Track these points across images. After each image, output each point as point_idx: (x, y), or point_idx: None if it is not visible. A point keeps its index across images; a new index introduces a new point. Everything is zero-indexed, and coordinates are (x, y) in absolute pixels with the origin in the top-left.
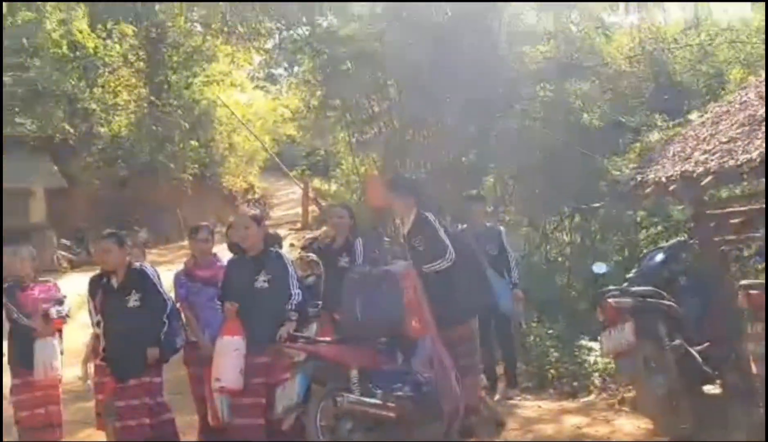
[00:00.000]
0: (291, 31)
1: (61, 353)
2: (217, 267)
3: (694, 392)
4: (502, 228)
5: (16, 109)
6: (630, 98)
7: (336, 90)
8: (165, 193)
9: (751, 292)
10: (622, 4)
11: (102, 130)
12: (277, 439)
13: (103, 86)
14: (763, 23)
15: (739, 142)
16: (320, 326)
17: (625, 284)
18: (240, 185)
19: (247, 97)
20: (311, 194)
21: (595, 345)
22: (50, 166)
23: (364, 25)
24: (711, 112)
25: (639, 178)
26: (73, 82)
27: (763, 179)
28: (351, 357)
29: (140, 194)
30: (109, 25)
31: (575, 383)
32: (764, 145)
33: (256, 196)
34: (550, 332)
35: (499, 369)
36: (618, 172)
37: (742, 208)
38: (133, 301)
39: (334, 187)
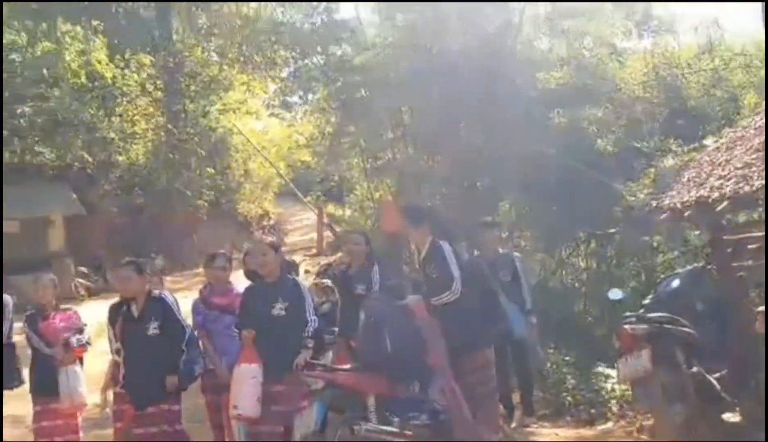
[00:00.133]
0: (306, 60)
1: None
2: (233, 294)
3: (713, 420)
4: (516, 254)
5: (36, 139)
6: (644, 123)
7: (350, 117)
8: (181, 220)
9: None
10: (635, 30)
11: (120, 158)
12: None
13: (121, 115)
14: None
15: (754, 168)
16: (336, 353)
17: (642, 311)
18: (255, 211)
19: (262, 124)
20: (326, 220)
21: (612, 372)
22: (69, 194)
23: (377, 53)
24: (726, 137)
25: (654, 204)
26: (91, 112)
27: None
28: (368, 385)
29: (157, 221)
30: (127, 55)
31: (592, 411)
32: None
33: (271, 222)
34: (567, 358)
35: (516, 397)
36: (633, 198)
37: (759, 234)
38: (153, 329)
39: (348, 212)
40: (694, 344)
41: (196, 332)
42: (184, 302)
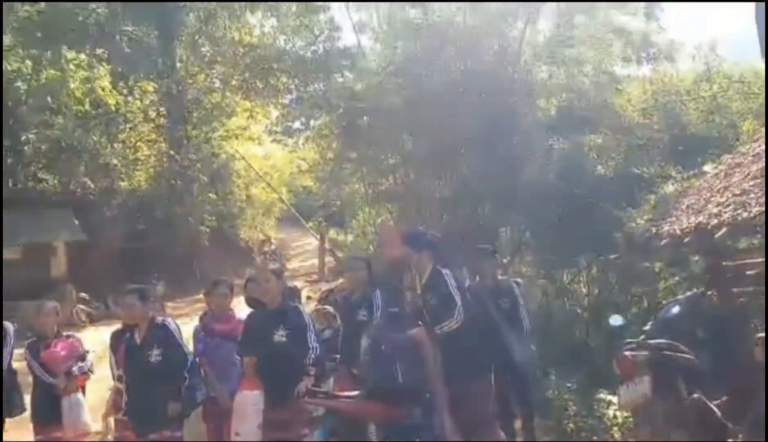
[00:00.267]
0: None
1: None
2: (235, 321)
3: None
4: (516, 281)
5: (40, 165)
6: (644, 150)
7: (352, 143)
8: (183, 246)
9: None
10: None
11: (122, 184)
12: None
13: (123, 142)
14: None
15: (752, 194)
16: (337, 379)
17: (642, 337)
18: (257, 237)
19: (264, 150)
20: (327, 245)
21: (614, 399)
22: (71, 220)
23: (379, 80)
24: (724, 163)
25: (654, 231)
26: (95, 138)
27: None
28: (369, 412)
29: (158, 247)
30: (130, 82)
31: (594, 438)
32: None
33: (272, 247)
34: (569, 385)
35: (517, 424)
36: (634, 224)
37: (758, 260)
38: (155, 355)
39: (350, 238)
40: (694, 371)
41: (197, 359)
42: (186, 328)
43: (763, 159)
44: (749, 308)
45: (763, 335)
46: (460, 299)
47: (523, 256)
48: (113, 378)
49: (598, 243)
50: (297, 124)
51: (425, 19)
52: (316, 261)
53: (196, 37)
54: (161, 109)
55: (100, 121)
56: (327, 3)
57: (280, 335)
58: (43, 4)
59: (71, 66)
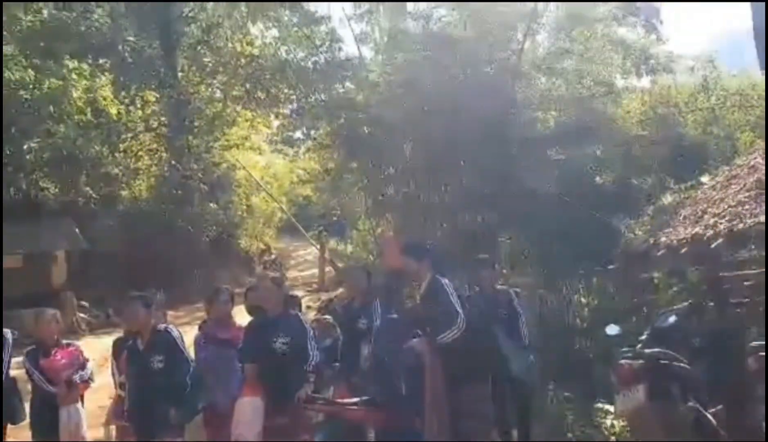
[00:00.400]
0: (309, 97)
1: None
2: (235, 329)
3: None
4: (514, 290)
5: (41, 174)
6: (642, 161)
7: (352, 153)
8: (183, 255)
9: (760, 354)
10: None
11: (123, 193)
12: None
13: (125, 151)
14: None
15: (748, 206)
16: (337, 387)
17: (639, 346)
18: (257, 247)
19: (265, 160)
20: (327, 255)
21: (612, 408)
22: (72, 229)
23: (379, 91)
24: (721, 175)
25: (652, 241)
26: (96, 147)
27: None
28: (369, 418)
29: (159, 256)
30: (132, 92)
31: None
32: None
33: (272, 257)
34: (567, 394)
35: (515, 433)
36: (632, 235)
37: (755, 271)
38: (157, 362)
39: (350, 248)
40: (690, 379)
41: (198, 366)
42: (186, 337)
43: (759, 171)
44: (745, 318)
45: (757, 344)
46: (461, 308)
47: (522, 266)
48: (115, 385)
49: (597, 253)
50: (298, 134)
51: (426, 30)
52: (315, 271)
53: (198, 47)
54: (162, 118)
55: (102, 131)
56: (328, 14)
57: (280, 343)
58: (45, 13)
59: (73, 75)
